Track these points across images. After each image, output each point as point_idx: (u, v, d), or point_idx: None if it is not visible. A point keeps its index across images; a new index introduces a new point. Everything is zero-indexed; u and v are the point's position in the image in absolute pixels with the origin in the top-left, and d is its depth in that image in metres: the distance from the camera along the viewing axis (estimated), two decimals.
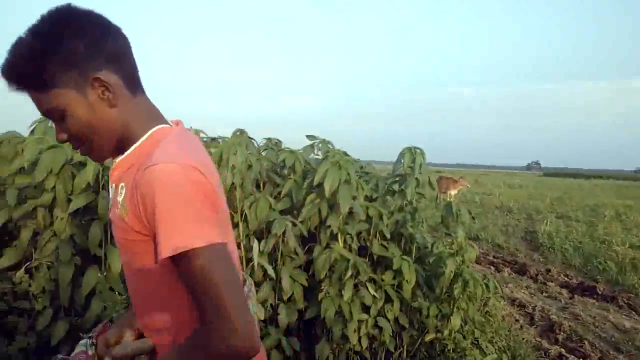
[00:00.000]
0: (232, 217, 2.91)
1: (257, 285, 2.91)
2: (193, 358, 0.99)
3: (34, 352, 2.89)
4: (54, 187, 2.77)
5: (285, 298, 2.86)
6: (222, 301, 0.95)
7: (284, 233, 2.78)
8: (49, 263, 2.89)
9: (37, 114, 2.69)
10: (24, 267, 2.89)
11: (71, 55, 1.00)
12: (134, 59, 1.12)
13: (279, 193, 3.26)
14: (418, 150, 3.44)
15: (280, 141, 4.37)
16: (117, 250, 2.84)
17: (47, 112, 1.05)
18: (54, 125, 1.10)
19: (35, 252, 2.94)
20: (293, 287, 2.87)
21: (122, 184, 1.08)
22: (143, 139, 1.09)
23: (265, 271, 2.84)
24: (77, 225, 2.84)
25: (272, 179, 3.40)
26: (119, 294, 2.81)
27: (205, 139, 4.03)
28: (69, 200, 2.79)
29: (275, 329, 2.88)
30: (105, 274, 2.75)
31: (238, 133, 4.38)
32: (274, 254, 2.94)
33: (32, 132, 3.31)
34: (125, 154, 1.09)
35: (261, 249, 2.76)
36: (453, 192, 15.95)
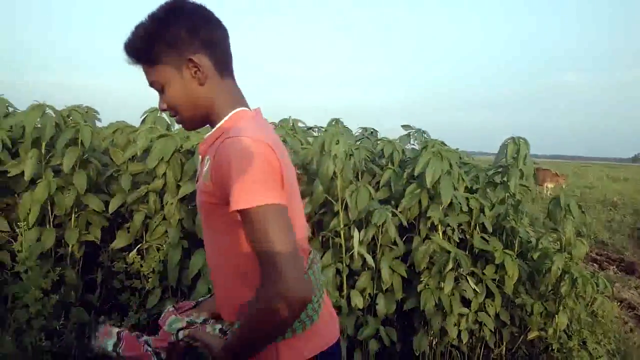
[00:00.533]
0: (333, 206, 2.92)
1: (356, 274, 2.91)
2: (253, 308, 1.10)
3: (144, 328, 3.06)
4: (165, 173, 2.92)
5: (384, 288, 2.85)
6: (274, 253, 1.06)
7: (383, 223, 2.75)
8: (159, 245, 3.05)
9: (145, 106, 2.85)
10: (135, 249, 3.07)
11: (174, 38, 1.20)
12: (228, 49, 1.28)
13: (377, 183, 3.24)
14: (522, 141, 3.29)
15: (376, 130, 4.35)
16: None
17: (152, 84, 1.26)
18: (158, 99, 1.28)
19: (146, 234, 3.11)
20: (392, 277, 2.85)
21: (208, 156, 1.22)
22: (226, 118, 1.24)
23: (364, 260, 2.84)
24: (185, 210, 2.97)
25: (370, 168, 3.38)
26: None
27: (303, 128, 4.07)
28: (178, 187, 2.92)
29: (373, 318, 2.88)
30: None
31: (333, 123, 4.40)
32: (373, 244, 2.92)
33: (142, 121, 3.50)
34: (211, 131, 1.25)
35: (361, 239, 2.75)
36: (550, 185, 15.19)
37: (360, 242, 2.75)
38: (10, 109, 3.54)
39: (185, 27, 1.20)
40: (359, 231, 2.78)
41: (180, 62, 1.21)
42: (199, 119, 1.27)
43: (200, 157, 1.29)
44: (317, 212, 3.05)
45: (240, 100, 1.29)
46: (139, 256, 3.04)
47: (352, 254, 2.85)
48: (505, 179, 3.28)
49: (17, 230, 2.80)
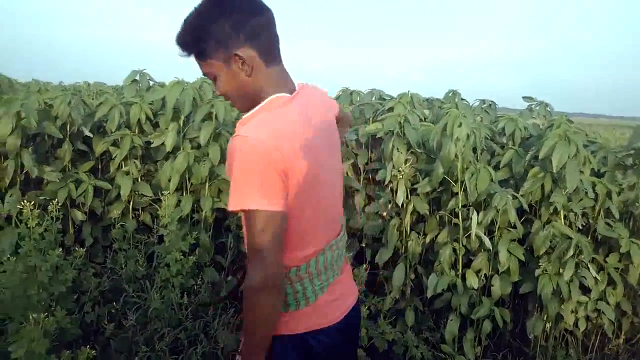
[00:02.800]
0: (451, 186, 2.95)
1: (473, 255, 2.94)
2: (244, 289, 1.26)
3: None
4: None
5: (500, 270, 2.86)
6: (253, 255, 1.23)
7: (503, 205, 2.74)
8: None
9: None
10: None
11: (219, 34, 1.28)
12: (274, 34, 1.36)
13: (497, 161, 3.20)
14: None
15: (494, 103, 4.25)
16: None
17: (205, 74, 1.38)
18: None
19: None
20: (509, 260, 2.85)
21: None
22: (261, 104, 1.34)
23: (481, 242, 2.86)
24: None
25: (490, 147, 3.35)
26: None
27: (386, 99, 4.02)
28: None
29: (488, 298, 2.91)
30: None
31: (450, 94, 4.35)
32: (491, 226, 2.92)
33: None
34: (247, 114, 1.35)
35: (479, 221, 2.77)
36: None
37: (479, 224, 2.77)
38: (151, 83, 3.87)
39: (229, 22, 1.27)
40: (478, 213, 2.79)
41: (228, 57, 1.30)
42: (250, 104, 1.36)
43: None
44: (435, 190, 3.10)
45: (283, 85, 1.37)
46: None
47: (469, 234, 2.88)
48: (638, 161, 3.11)
49: (161, 197, 3.11)
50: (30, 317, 2.31)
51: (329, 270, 1.44)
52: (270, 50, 1.34)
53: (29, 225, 2.59)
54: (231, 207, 1.23)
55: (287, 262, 1.34)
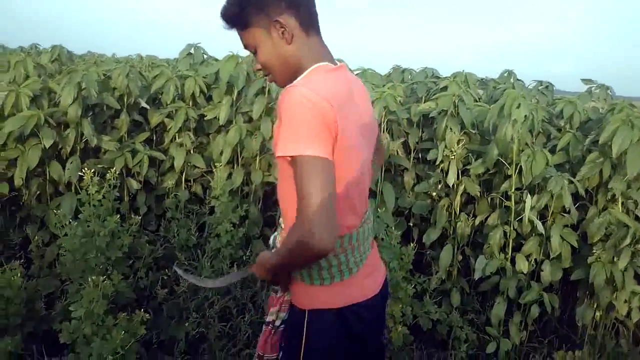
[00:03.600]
0: (505, 168, 2.90)
1: (524, 238, 2.90)
2: (283, 248, 1.25)
3: None
4: None
5: (551, 255, 2.81)
6: (306, 203, 1.14)
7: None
8: None
9: None
10: None
11: (261, 2, 1.31)
12: (313, 7, 1.37)
13: (554, 146, 3.12)
14: None
15: (551, 84, 4.11)
16: (390, 187, 3.08)
17: (246, 46, 1.40)
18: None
19: None
20: (562, 245, 2.79)
21: None
22: (305, 73, 1.33)
23: (532, 226, 2.81)
24: None
25: (546, 129, 3.26)
26: (387, 226, 3.05)
27: (440, 78, 3.93)
28: None
29: (537, 283, 2.86)
30: (381, 209, 3.01)
31: (505, 74, 4.24)
32: (543, 210, 2.86)
33: None
34: (291, 84, 1.30)
35: (533, 205, 2.72)
36: None
37: (532, 208, 2.71)
38: (205, 56, 3.93)
39: None
40: (531, 196, 2.73)
41: (269, 24, 1.32)
42: (289, 76, 1.35)
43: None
44: (487, 172, 3.05)
45: (324, 56, 1.37)
46: None
47: (521, 218, 2.83)
48: None
49: (213, 169, 3.17)
50: (90, 279, 2.42)
51: (362, 244, 1.44)
52: (310, 21, 1.36)
53: (89, 192, 2.69)
54: (280, 153, 1.20)
55: None
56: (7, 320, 2.61)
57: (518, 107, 2.64)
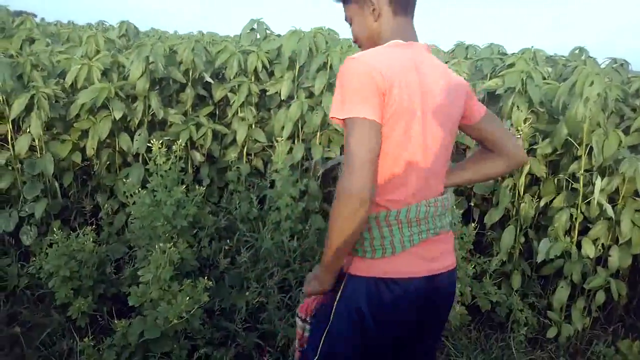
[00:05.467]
0: (573, 149, 2.80)
1: (590, 222, 2.80)
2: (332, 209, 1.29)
3: None
4: None
5: (620, 241, 2.70)
6: (347, 160, 1.25)
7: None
8: None
9: None
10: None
11: None
12: None
13: (628, 127, 2.98)
14: None
15: (627, 62, 3.91)
16: (452, 166, 3.03)
17: (346, 19, 1.52)
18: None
19: None
20: (632, 231, 2.68)
21: None
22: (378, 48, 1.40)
23: (601, 209, 2.70)
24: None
25: (620, 109, 3.11)
26: None
27: (507, 54, 3.79)
28: None
29: (604, 269, 2.77)
30: None
31: (577, 52, 4.06)
32: (613, 193, 2.75)
33: None
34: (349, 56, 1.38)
35: (603, 187, 2.61)
36: None
37: (602, 191, 2.61)
38: (268, 32, 3.95)
39: None
40: (601, 179, 2.63)
41: (364, 2, 1.44)
42: (372, 48, 1.41)
43: None
44: (554, 152, 2.95)
45: (404, 35, 1.44)
46: None
47: (589, 201, 2.73)
48: None
49: (276, 143, 3.20)
50: (157, 246, 2.52)
51: (422, 224, 1.40)
52: (401, 4, 1.44)
53: (157, 163, 2.79)
54: (332, 114, 1.32)
55: (378, 199, 1.36)
56: (80, 282, 2.76)
57: (591, 84, 2.53)
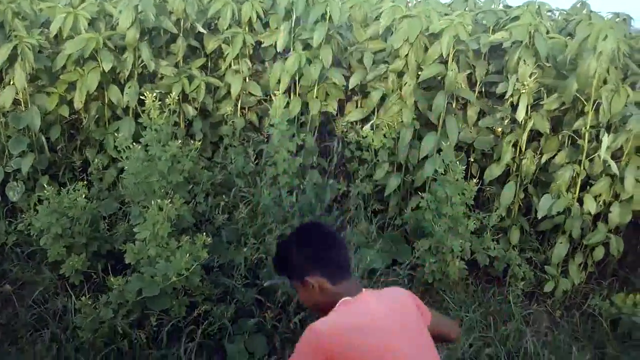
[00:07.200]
0: (579, 105, 2.75)
1: (594, 179, 2.78)
2: None
3: (369, 196, 3.33)
4: (407, 55, 2.95)
5: (622, 197, 2.69)
6: None
7: None
8: (390, 123, 3.19)
9: None
10: (369, 124, 3.25)
11: (292, 270, 1.57)
12: (339, 260, 1.55)
13: (632, 83, 2.93)
14: None
15: (630, 17, 3.83)
16: (454, 120, 2.99)
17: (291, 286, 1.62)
18: None
19: (380, 112, 3.26)
20: (635, 188, 2.66)
21: None
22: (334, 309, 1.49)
23: (604, 166, 2.68)
24: (422, 93, 3.03)
25: (626, 65, 3.04)
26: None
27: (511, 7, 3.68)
28: (419, 69, 2.96)
29: (604, 225, 2.77)
30: (444, 142, 2.92)
31: (578, 5, 3.97)
32: (617, 150, 2.72)
33: None
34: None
35: (608, 144, 2.58)
36: None
37: (607, 147, 2.58)
38: None
39: (301, 255, 1.53)
40: (607, 135, 2.59)
41: (300, 282, 1.52)
42: (321, 313, 1.53)
43: None
44: (557, 108, 2.90)
45: (349, 293, 1.50)
46: (372, 131, 3.22)
47: (592, 157, 2.71)
48: None
49: (273, 97, 3.09)
50: (153, 202, 2.44)
51: None
52: (337, 273, 1.52)
53: (150, 116, 2.68)
54: None
55: None
56: (72, 239, 2.68)
57: (605, 38, 2.45)
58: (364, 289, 1.54)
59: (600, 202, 2.78)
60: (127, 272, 2.58)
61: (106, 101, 3.21)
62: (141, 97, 2.85)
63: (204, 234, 2.46)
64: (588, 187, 2.84)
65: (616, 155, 2.76)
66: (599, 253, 2.77)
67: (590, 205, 2.70)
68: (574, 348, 2.54)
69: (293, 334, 2.41)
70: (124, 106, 3.17)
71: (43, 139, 3.17)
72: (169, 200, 2.46)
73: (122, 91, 3.14)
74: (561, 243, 2.82)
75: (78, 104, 3.11)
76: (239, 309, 2.51)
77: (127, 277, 2.42)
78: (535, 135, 3.07)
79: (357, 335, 1.42)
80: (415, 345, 1.47)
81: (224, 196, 2.96)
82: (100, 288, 2.63)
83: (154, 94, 2.68)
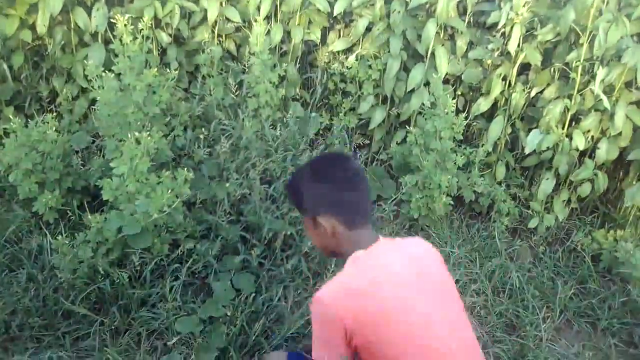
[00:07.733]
0: (572, 35, 2.66)
1: (583, 114, 2.73)
2: None
3: (353, 130, 3.24)
4: None
5: (611, 133, 2.66)
6: None
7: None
8: (377, 54, 3.05)
9: None
10: (355, 54, 3.11)
11: (303, 206, 1.50)
12: (363, 202, 1.49)
13: (626, 15, 2.83)
14: None
15: None
16: (444, 50, 2.88)
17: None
18: None
19: (364, 40, 3.11)
20: (624, 124, 2.63)
21: None
22: (347, 261, 1.44)
23: (595, 100, 2.63)
24: (411, 21, 2.88)
25: None
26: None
27: None
28: None
29: (592, 161, 2.76)
30: (435, 74, 2.81)
31: None
32: (607, 86, 2.67)
33: None
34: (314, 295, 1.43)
35: (602, 78, 2.52)
36: None
37: (601, 81, 2.51)
38: None
39: (317, 191, 1.44)
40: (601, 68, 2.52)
41: (312, 220, 1.44)
42: (333, 256, 1.59)
43: None
44: (549, 40, 2.80)
45: (363, 243, 1.40)
46: (357, 62, 3.08)
47: (582, 92, 2.65)
48: None
49: (253, 23, 2.90)
50: (130, 135, 2.30)
51: None
52: (353, 218, 1.41)
53: (123, 42, 2.49)
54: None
55: None
56: (44, 175, 2.54)
57: None
58: (380, 238, 1.43)
59: (589, 138, 2.75)
60: (104, 209, 2.47)
61: (72, 26, 2.98)
62: (111, 20, 2.64)
63: (185, 169, 2.35)
64: (574, 122, 2.80)
65: (605, 91, 2.71)
66: (586, 189, 2.77)
67: (580, 141, 2.67)
68: (558, 283, 2.58)
69: (280, 271, 2.38)
70: (92, 31, 2.94)
71: (4, 66, 2.94)
72: (147, 133, 2.32)
73: (89, 15, 2.91)
74: (547, 179, 2.80)
75: (41, 28, 2.87)
76: (224, 246, 2.45)
77: (105, 214, 2.31)
78: (522, 69, 2.98)
79: (369, 297, 1.32)
80: (440, 301, 1.39)
81: (203, 129, 2.82)
82: (77, 226, 2.52)
83: (126, 18, 2.47)
